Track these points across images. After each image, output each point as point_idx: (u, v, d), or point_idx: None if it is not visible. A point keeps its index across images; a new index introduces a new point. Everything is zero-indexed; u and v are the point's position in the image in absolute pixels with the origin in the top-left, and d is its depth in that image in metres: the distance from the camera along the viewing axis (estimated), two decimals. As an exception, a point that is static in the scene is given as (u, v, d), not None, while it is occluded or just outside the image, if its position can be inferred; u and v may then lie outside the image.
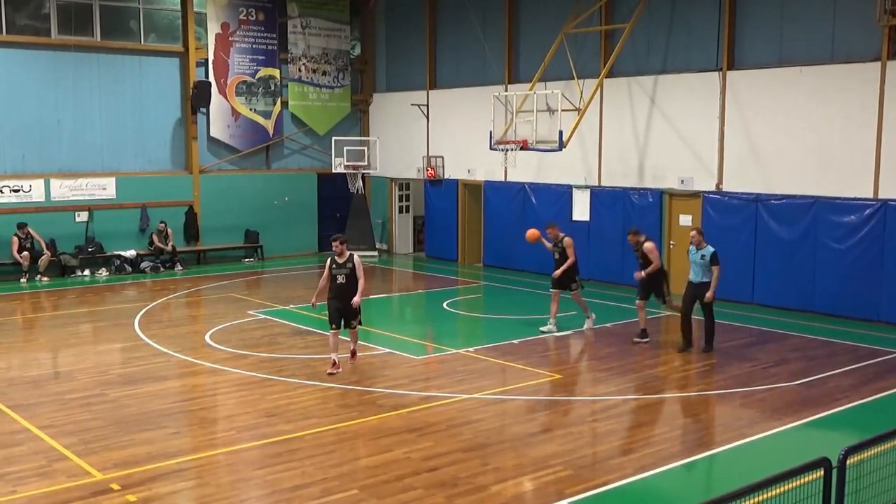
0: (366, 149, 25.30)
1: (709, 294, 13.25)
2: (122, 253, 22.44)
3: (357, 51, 26.90)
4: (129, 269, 22.31)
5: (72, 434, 9.67)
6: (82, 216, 22.19)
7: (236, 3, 24.17)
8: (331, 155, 25.31)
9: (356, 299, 12.06)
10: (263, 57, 24.82)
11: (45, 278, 20.92)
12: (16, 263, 20.70)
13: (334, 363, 12.19)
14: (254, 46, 24.63)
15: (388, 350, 13.83)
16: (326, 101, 26.07)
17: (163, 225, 22.89)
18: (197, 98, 23.36)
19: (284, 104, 25.38)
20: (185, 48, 23.59)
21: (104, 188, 22.61)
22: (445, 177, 24.38)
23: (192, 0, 23.40)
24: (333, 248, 12.22)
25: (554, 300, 15.12)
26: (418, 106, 24.86)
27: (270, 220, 25.13)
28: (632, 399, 11.34)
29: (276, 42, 25.01)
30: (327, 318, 12.45)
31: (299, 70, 25.50)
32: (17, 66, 21.35)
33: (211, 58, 23.92)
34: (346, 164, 24.93)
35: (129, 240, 22.81)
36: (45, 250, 21.14)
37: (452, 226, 24.27)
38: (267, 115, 25.06)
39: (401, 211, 26.53)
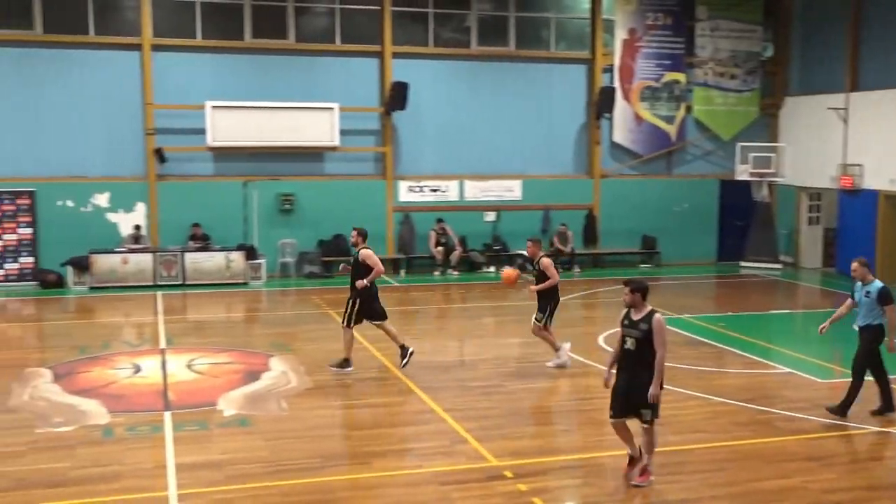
0: (774, 155, 24.00)
1: (890, 342, 10.36)
2: (525, 252, 23.51)
3: (769, 52, 25.59)
4: (529, 268, 23.30)
5: (472, 419, 10.29)
6: (490, 216, 23.63)
7: (644, 7, 24.21)
8: (735, 161, 24.39)
9: (653, 389, 8.17)
10: (669, 61, 24.57)
11: (456, 272, 22.60)
12: (431, 257, 22.61)
13: (631, 460, 8.62)
14: (659, 51, 24.48)
15: (788, 370, 12.97)
16: (733, 105, 25.13)
17: (563, 227, 23.63)
18: (602, 104, 23.76)
19: (688, 109, 24.92)
20: (592, 55, 24.13)
21: (511, 190, 23.88)
22: (864, 186, 22.32)
23: (600, 7, 23.87)
24: (623, 297, 8.47)
25: (539, 333, 12.98)
26: (836, 109, 23.02)
27: (668, 227, 24.81)
28: None
29: (682, 46, 24.63)
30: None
31: (705, 74, 24.87)
32: (442, 75, 23.30)
33: (617, 63, 24.21)
34: (752, 170, 23.84)
35: (532, 240, 23.85)
36: (458, 246, 22.83)
37: (869, 240, 22.12)
38: (670, 119, 24.79)
39: (810, 222, 24.77)
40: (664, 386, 8.36)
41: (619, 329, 8.43)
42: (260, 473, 8.62)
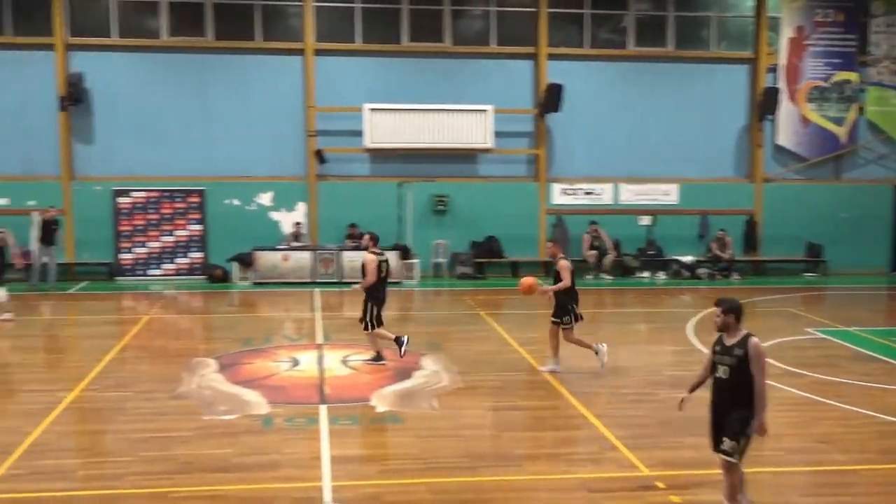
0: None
1: None
2: (680, 258, 22.92)
3: (952, 49, 23.96)
4: (686, 274, 22.72)
5: (623, 427, 10.09)
6: (645, 220, 23.15)
7: (813, 4, 23.14)
8: (911, 165, 23.01)
9: (757, 421, 7.14)
10: (840, 60, 23.38)
11: (609, 276, 22.27)
12: (583, 260, 22.38)
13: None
14: (829, 49, 23.34)
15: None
16: (910, 106, 23.69)
17: (722, 233, 22.88)
18: (765, 105, 22.87)
19: (860, 110, 23.63)
20: (755, 54, 23.27)
21: (667, 194, 23.33)
22: None
23: (765, 5, 22.97)
24: (714, 319, 7.46)
25: (550, 335, 12.67)
26: None
27: (836, 234, 23.62)
28: None
29: (854, 43, 23.40)
30: None
31: (879, 73, 23.54)
32: (598, 76, 23.05)
33: (782, 63, 23.25)
34: (930, 175, 22.41)
35: (688, 246, 23.22)
36: (611, 250, 22.49)
37: None
38: (839, 121, 23.58)
39: None
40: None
41: (709, 353, 7.62)
42: (411, 470, 8.74)
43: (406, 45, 22.50)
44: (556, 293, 12.44)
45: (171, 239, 21.94)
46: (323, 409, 10.77)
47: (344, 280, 21.07)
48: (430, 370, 12.81)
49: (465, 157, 22.84)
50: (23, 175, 21.58)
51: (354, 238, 21.70)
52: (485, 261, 22.43)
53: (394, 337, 13.01)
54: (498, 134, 22.32)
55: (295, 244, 21.67)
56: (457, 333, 15.86)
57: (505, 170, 23.15)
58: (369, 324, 12.94)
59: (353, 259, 21.25)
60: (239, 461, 8.95)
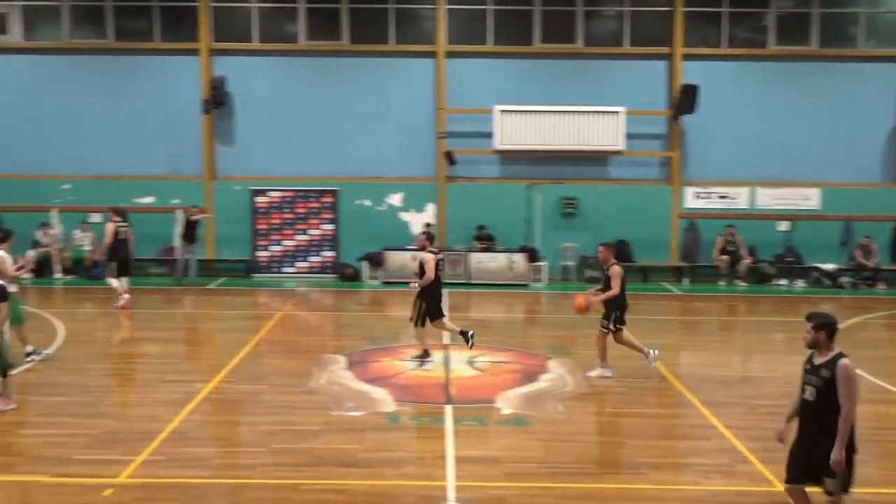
0: None
1: None
2: (821, 266, 21.96)
3: None
4: (827, 282, 21.75)
5: (756, 439, 9.72)
6: (784, 225, 22.29)
7: (973, -2, 21.79)
8: None
9: (835, 453, 6.46)
10: None
11: (744, 283, 21.55)
12: (714, 266, 21.72)
13: None
14: None
15: None
16: None
17: (867, 240, 21.80)
18: (916, 105, 21.67)
19: None
20: (907, 52, 22.09)
21: (807, 198, 22.40)
22: None
23: (920, 0, 21.77)
24: (805, 336, 6.93)
25: (597, 340, 12.58)
26: None
27: None
28: None
29: None
30: None
31: None
32: (735, 77, 22.38)
33: (937, 61, 21.97)
34: None
35: (829, 253, 22.22)
36: (746, 256, 21.75)
37: None
38: None
39: None
40: (856, 449, 6.62)
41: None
42: (535, 473, 8.68)
43: (537, 47, 22.41)
44: (608, 299, 12.34)
45: (304, 238, 22.57)
46: (448, 409, 10.84)
47: (471, 281, 21.17)
48: (556, 374, 12.71)
49: (595, 159, 22.56)
50: (168, 175, 22.64)
51: (482, 240, 21.78)
52: (614, 265, 22.12)
53: (459, 330, 13.33)
54: (630, 136, 21.94)
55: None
56: (583, 338, 15.65)
57: (636, 172, 22.74)
58: (418, 320, 13.22)
59: (480, 261, 21.35)
60: (365, 457, 9.11)
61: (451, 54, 22.31)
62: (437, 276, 13.25)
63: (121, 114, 22.53)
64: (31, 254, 21.40)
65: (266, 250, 22.63)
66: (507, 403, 11.14)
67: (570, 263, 22.28)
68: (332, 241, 22.58)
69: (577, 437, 9.82)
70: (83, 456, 9.05)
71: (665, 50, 22.30)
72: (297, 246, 22.62)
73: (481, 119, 22.03)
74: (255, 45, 22.46)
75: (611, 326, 12.45)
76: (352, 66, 22.54)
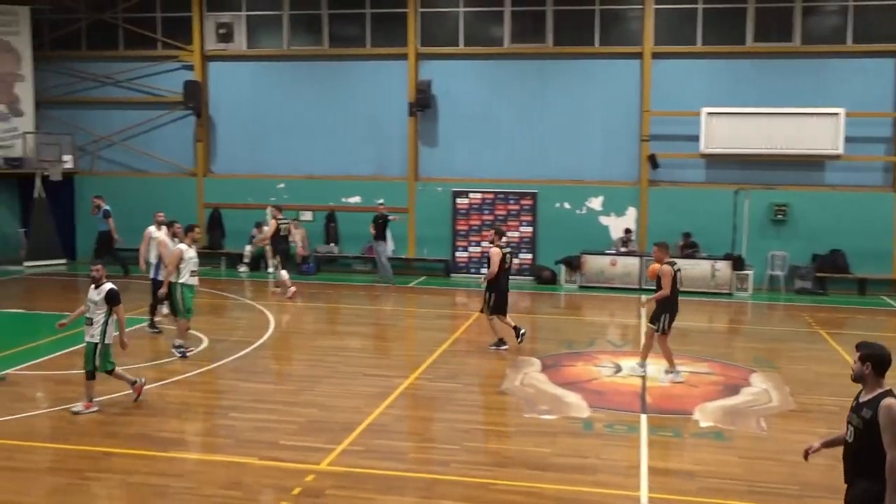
0: None
1: None
2: None
3: None
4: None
5: None
6: None
7: None
8: None
9: None
10: None
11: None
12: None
13: None
14: None
15: None
16: None
17: None
18: None
19: None
20: None
21: None
22: None
23: None
24: (852, 367, 5.89)
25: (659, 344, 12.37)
26: None
27: None
28: None
29: None
30: None
31: None
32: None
33: None
34: None
35: None
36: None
37: None
38: None
39: None
40: None
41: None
42: (732, 490, 8.31)
43: (750, 46, 21.45)
44: (659, 299, 12.25)
45: (503, 240, 22.66)
46: (643, 419, 10.58)
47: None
48: (760, 388, 12.10)
49: (809, 163, 21.32)
50: (374, 176, 23.47)
51: (688, 247, 21.11)
52: (827, 276, 20.81)
53: (513, 325, 14.24)
54: (849, 139, 20.58)
55: (623, 249, 21.54)
56: (791, 351, 14.86)
57: (856, 178, 21.29)
58: (487, 310, 14.18)
59: (681, 268, 20.63)
60: (557, 461, 9.03)
61: (657, 55, 21.77)
62: (505, 270, 14.13)
63: (332, 117, 23.59)
64: (248, 249, 22.84)
65: (465, 251, 22.98)
66: (705, 416, 10.73)
67: (779, 273, 21.17)
68: (530, 244, 22.62)
69: (780, 456, 9.29)
70: (289, 442, 9.52)
71: (893, 47, 20.75)
72: (495, 247, 22.81)
73: (687, 121, 21.36)
74: (461, 48, 22.86)
75: (657, 328, 12.31)
76: (555, 69, 22.49)
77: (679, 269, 12.80)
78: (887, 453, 5.40)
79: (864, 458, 5.57)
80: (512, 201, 22.65)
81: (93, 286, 10.47)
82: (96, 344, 10.39)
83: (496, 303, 14.13)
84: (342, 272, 22.88)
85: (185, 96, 23.57)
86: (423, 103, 22.56)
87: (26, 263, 22.78)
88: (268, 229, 19.78)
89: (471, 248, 22.92)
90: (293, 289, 18.80)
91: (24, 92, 24.36)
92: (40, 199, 22.85)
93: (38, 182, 23.07)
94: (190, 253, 13.35)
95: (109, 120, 24.75)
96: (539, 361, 13.45)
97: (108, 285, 10.43)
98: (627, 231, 21.82)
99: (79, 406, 10.46)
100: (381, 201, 22.10)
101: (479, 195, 22.84)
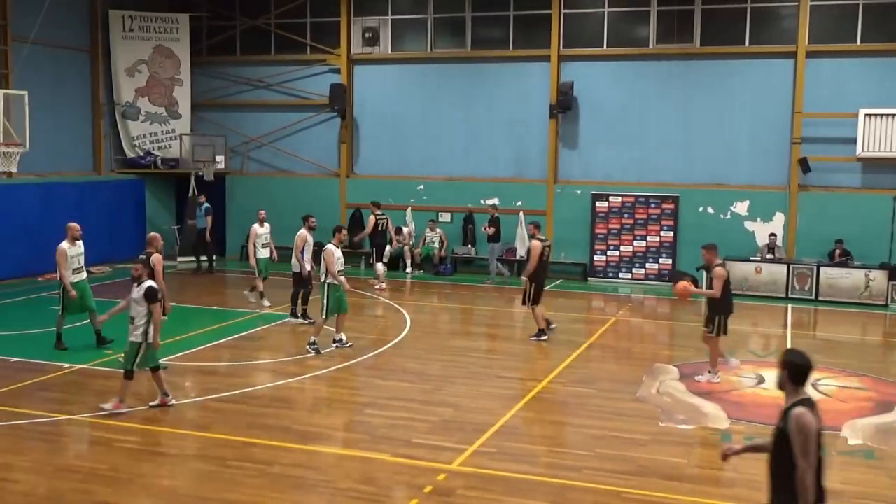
0: None
1: None
2: None
3: None
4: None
5: None
6: None
7: None
8: None
9: None
10: None
11: None
12: None
13: None
14: None
15: None
16: None
17: None
18: None
19: None
20: None
21: None
22: None
23: None
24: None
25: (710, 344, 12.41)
26: None
27: None
28: None
29: None
30: None
31: None
32: None
33: None
34: None
35: None
36: None
37: None
38: None
39: None
40: None
41: None
42: (883, 514, 7.87)
43: (913, 44, 20.27)
44: (710, 302, 12.21)
45: (642, 244, 22.29)
46: (786, 433, 10.14)
47: (819, 298, 19.66)
48: (917, 406, 11.41)
49: (978, 168, 19.95)
50: (513, 178, 23.46)
51: (841, 255, 20.12)
52: None
53: (546, 319, 15.09)
54: None
55: (769, 256, 20.72)
56: (953, 369, 13.93)
57: None
58: (528, 301, 14.79)
59: (832, 276, 19.74)
60: (692, 472, 8.79)
61: (812, 54, 20.83)
62: (544, 263, 14.79)
63: (472, 118, 23.74)
64: (387, 249, 23.24)
65: (603, 255, 22.66)
66: (855, 433, 10.20)
67: (941, 285, 19.87)
68: (670, 249, 22.08)
69: (939, 481, 8.73)
70: (422, 440, 9.63)
71: None
72: (634, 252, 22.41)
73: (842, 123, 20.35)
74: (604, 49, 22.56)
75: (713, 330, 12.26)
76: (702, 70, 21.87)
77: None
78: (797, 464, 5.25)
79: (777, 472, 5.44)
80: (653, 205, 22.17)
81: (135, 285, 10.45)
82: (139, 344, 10.38)
83: (536, 294, 14.81)
84: (479, 273, 22.97)
85: (331, 99, 24.25)
86: (564, 105, 22.40)
87: (179, 259, 23.95)
88: (368, 225, 20.83)
89: (609, 252, 22.57)
90: (384, 284, 19.68)
91: (182, 96, 25.65)
92: (193, 198, 23.98)
93: (192, 181, 24.22)
94: (338, 253, 13.77)
95: (259, 122, 25.74)
96: (676, 370, 13.11)
97: (148, 283, 10.41)
98: (772, 237, 21.00)
99: (108, 405, 10.44)
100: (494, 202, 22.54)
101: (618, 198, 22.47)
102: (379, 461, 8.95)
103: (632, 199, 22.35)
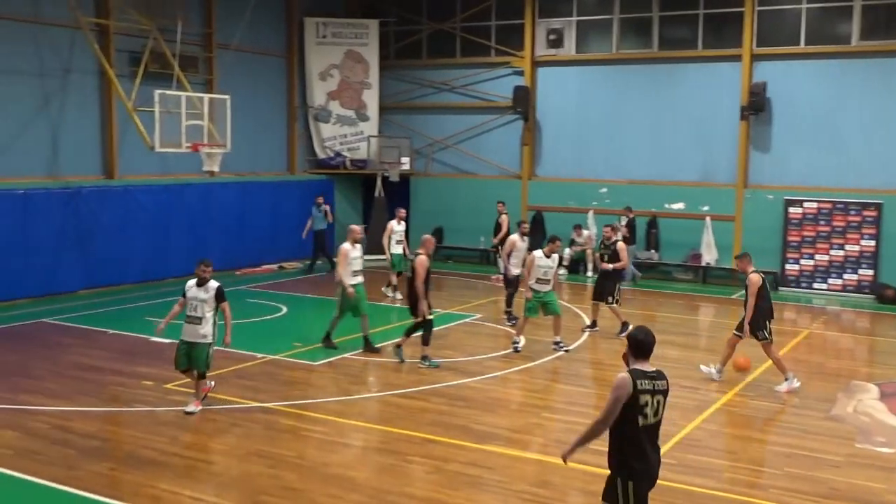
0: None
1: None
2: None
3: None
4: None
5: None
6: None
7: None
8: None
9: (566, 449, 6.63)
10: None
11: None
12: None
13: None
14: None
15: None
16: None
17: None
18: None
19: None
20: None
21: None
22: None
23: None
24: None
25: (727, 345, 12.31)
26: None
27: None
28: None
29: None
30: None
31: None
32: None
33: None
34: None
35: None
36: None
37: None
38: None
39: None
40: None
41: None
42: None
43: None
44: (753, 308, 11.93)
45: (840, 253, 21.01)
46: None
47: None
48: None
49: None
50: (700, 182, 22.70)
51: None
52: None
53: (592, 320, 15.85)
54: None
55: None
56: None
57: None
58: (615, 300, 15.35)
59: None
60: (892, 499, 8.18)
61: None
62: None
63: (658, 121, 23.15)
64: (567, 252, 23.02)
65: (796, 263, 21.53)
66: None
67: None
68: (872, 259, 20.68)
69: None
70: (598, 447, 9.39)
71: None
72: (830, 261, 21.15)
73: None
74: (801, 48, 21.44)
75: (764, 336, 11.97)
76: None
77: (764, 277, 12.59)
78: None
79: (610, 441, 6.26)
80: (853, 212, 20.84)
81: (197, 285, 10.37)
82: (209, 344, 10.35)
83: (613, 290, 15.42)
84: (662, 279, 22.38)
85: (514, 101, 24.33)
86: (756, 106, 21.45)
87: (366, 257, 24.65)
88: (501, 225, 20.68)
89: (803, 261, 21.42)
90: (500, 276, 19.11)
91: (370, 98, 26.47)
92: (379, 199, 24.65)
93: (378, 182, 24.92)
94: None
95: (443, 124, 26.18)
96: (877, 388, 12.26)
97: (216, 283, 10.41)
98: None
99: (192, 407, 10.47)
100: (679, 206, 22.20)
101: (814, 204, 21.27)
102: (553, 465, 8.87)
103: (829, 206, 21.10)
